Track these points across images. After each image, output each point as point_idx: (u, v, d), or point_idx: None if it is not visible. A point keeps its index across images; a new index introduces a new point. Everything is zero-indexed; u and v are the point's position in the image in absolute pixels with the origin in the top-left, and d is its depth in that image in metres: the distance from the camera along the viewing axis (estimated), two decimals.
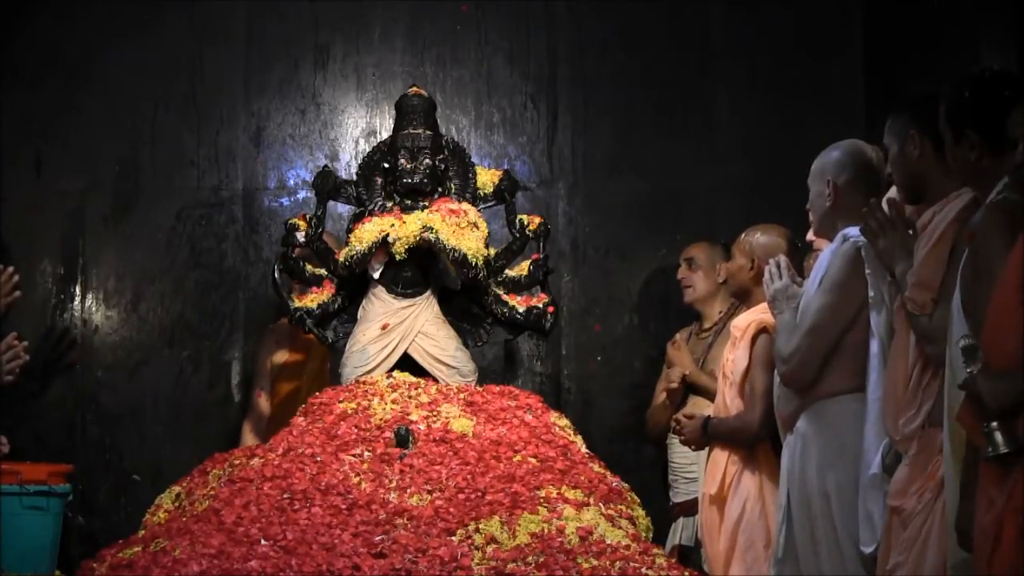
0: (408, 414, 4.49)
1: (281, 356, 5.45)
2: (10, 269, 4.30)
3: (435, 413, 4.51)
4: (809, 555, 3.82)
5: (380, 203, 5.03)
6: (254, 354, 5.60)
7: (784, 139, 5.80)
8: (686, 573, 3.69)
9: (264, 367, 5.47)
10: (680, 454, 4.91)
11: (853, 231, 3.80)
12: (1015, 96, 3.15)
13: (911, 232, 3.53)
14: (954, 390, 3.05)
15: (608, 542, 3.69)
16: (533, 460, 4.24)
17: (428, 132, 5.03)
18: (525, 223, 5.12)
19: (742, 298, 4.76)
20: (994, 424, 2.69)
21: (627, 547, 3.69)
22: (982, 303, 2.92)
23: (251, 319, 5.78)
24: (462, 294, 5.08)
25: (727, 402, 4.53)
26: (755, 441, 4.41)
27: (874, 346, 3.70)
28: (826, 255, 3.93)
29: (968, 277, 3.03)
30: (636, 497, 4.33)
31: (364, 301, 5.00)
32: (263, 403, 5.42)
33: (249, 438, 5.31)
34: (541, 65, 6.01)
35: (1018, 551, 2.62)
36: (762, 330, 4.41)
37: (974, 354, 2.75)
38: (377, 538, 3.67)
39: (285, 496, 3.95)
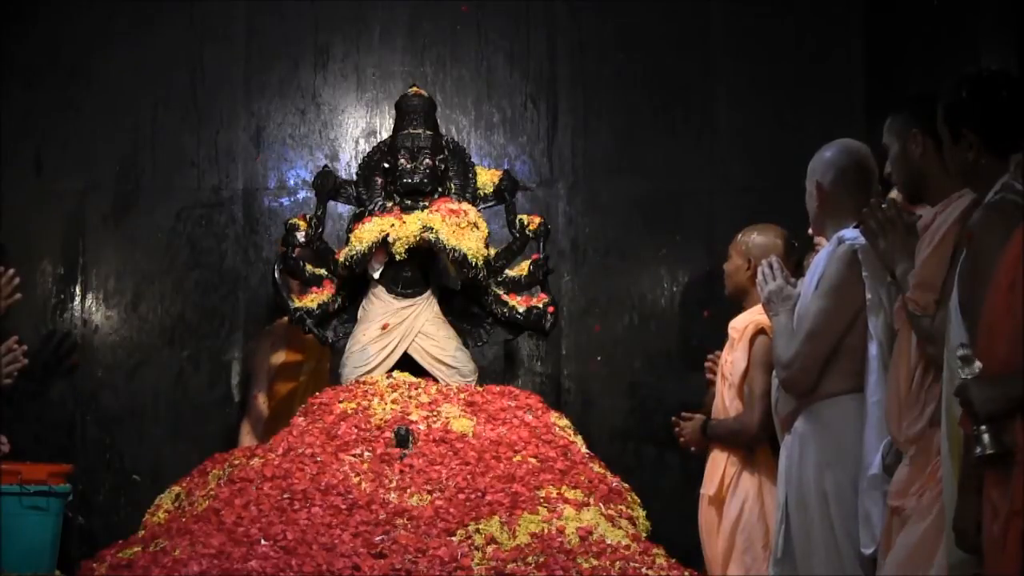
0: (408, 414, 4.49)
1: (278, 357, 5.46)
2: (11, 271, 4.30)
3: (435, 413, 4.51)
4: (806, 555, 3.81)
5: (380, 203, 5.03)
6: (251, 356, 5.60)
7: (784, 139, 5.80)
8: (686, 573, 3.69)
9: (261, 369, 5.48)
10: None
11: (849, 233, 3.80)
12: (1013, 96, 3.15)
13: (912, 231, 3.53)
14: (951, 389, 3.05)
15: (608, 542, 3.69)
16: (533, 460, 4.24)
17: (428, 132, 5.03)
18: (525, 223, 5.13)
19: (739, 298, 4.75)
20: (983, 427, 2.69)
21: (627, 547, 3.70)
22: (980, 304, 2.92)
23: (251, 319, 5.78)
24: (462, 294, 5.08)
25: (726, 403, 4.53)
26: (754, 442, 4.41)
27: (873, 348, 3.70)
28: (822, 257, 3.92)
29: (966, 278, 3.03)
30: (636, 497, 4.33)
31: (364, 301, 5.00)
32: (261, 404, 5.43)
33: (247, 439, 5.31)
34: (541, 65, 6.01)
35: (1021, 554, 2.61)
36: (760, 331, 4.41)
37: (970, 362, 2.75)
38: (377, 538, 3.67)
39: (285, 496, 3.95)
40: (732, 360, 4.51)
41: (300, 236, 5.05)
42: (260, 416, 5.41)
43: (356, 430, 4.37)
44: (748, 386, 4.43)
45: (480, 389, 4.80)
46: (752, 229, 4.69)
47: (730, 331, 4.61)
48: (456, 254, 4.81)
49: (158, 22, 5.88)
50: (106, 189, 5.84)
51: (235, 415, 5.66)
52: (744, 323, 4.54)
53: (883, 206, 3.57)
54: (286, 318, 5.23)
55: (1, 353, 4.07)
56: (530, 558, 3.57)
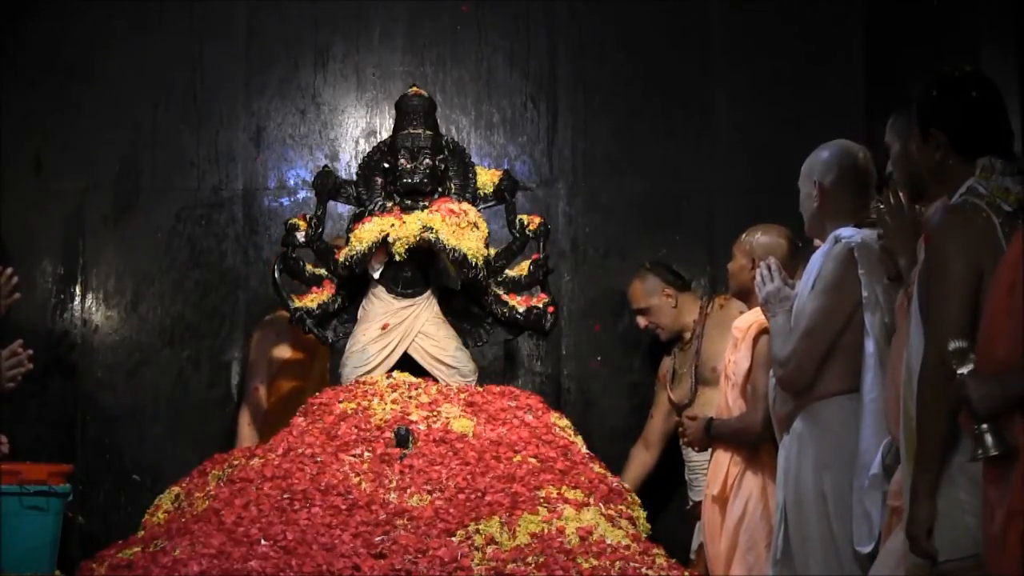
0: (408, 414, 4.48)
1: (282, 352, 5.42)
2: (9, 270, 4.29)
3: (435, 413, 4.51)
4: (804, 556, 3.81)
5: (380, 203, 5.03)
6: (252, 345, 5.55)
7: (784, 139, 5.79)
8: (686, 573, 3.69)
9: (262, 360, 5.41)
10: (697, 452, 4.91)
11: (845, 232, 3.80)
12: (982, 97, 3.13)
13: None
14: (909, 392, 3.05)
15: (608, 542, 3.69)
16: (533, 460, 4.24)
17: (428, 132, 5.03)
18: (525, 223, 5.12)
19: (743, 298, 4.76)
20: (984, 426, 2.69)
21: (627, 547, 3.69)
22: (936, 305, 2.93)
23: (251, 319, 5.78)
24: (462, 294, 5.07)
25: (729, 403, 4.53)
26: (757, 441, 4.41)
27: (869, 346, 3.70)
28: (818, 257, 3.93)
29: (923, 279, 3.03)
30: (636, 497, 4.33)
31: (364, 301, 4.99)
32: (261, 396, 5.39)
33: (246, 430, 5.29)
34: (541, 65, 6.01)
35: (1021, 554, 2.61)
36: (763, 331, 4.41)
37: (964, 357, 2.74)
38: (377, 538, 3.67)
39: (285, 496, 3.94)
40: (735, 360, 4.52)
41: (300, 236, 5.04)
42: (259, 407, 5.37)
43: (356, 430, 4.37)
44: (751, 386, 4.43)
45: (480, 389, 4.80)
46: (756, 229, 4.70)
47: (733, 331, 4.61)
48: (456, 254, 4.80)
49: (158, 22, 5.89)
50: (106, 189, 5.84)
51: (235, 415, 5.65)
52: (747, 323, 4.54)
53: (890, 203, 3.57)
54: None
55: (5, 357, 4.05)
56: (530, 558, 3.56)
